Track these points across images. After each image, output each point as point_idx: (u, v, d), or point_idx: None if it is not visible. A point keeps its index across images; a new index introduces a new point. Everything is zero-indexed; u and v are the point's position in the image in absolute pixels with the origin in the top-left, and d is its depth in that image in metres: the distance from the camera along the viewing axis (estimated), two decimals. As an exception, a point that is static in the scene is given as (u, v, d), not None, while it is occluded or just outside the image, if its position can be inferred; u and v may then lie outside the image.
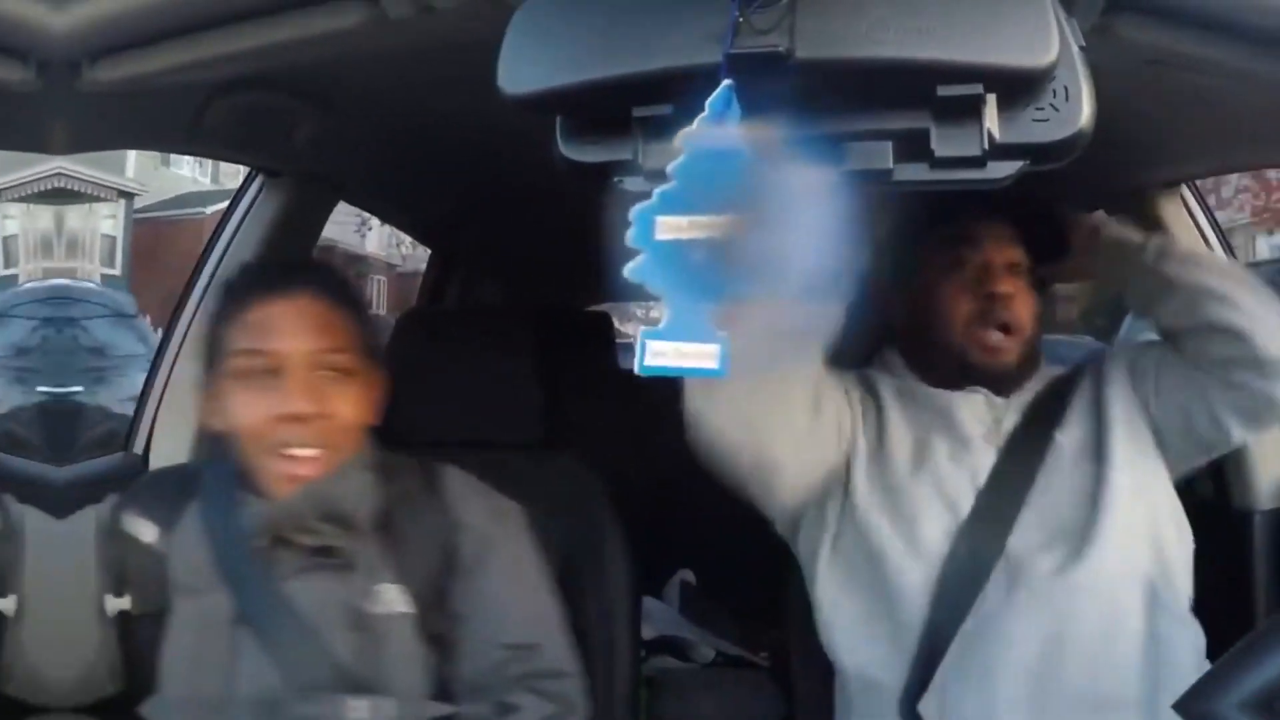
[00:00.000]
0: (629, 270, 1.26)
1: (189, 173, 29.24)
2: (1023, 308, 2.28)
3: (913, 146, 1.25)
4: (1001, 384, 2.30)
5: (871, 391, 2.36)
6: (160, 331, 3.18)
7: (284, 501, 1.96)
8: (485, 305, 5.07)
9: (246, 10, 1.65)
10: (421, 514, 2.08)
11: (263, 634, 1.93)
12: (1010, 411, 2.29)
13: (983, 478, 2.19)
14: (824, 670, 2.25)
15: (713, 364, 1.26)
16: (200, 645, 1.96)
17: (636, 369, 1.29)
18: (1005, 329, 2.26)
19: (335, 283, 2.12)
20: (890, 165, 1.26)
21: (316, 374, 1.97)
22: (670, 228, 1.24)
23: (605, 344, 4.67)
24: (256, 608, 1.95)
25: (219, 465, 2.08)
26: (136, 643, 2.01)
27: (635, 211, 1.25)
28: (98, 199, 24.51)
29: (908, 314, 2.39)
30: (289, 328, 1.98)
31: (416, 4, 1.58)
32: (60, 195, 24.41)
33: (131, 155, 25.23)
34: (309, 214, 2.98)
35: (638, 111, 1.28)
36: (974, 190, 1.31)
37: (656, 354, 1.28)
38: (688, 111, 1.24)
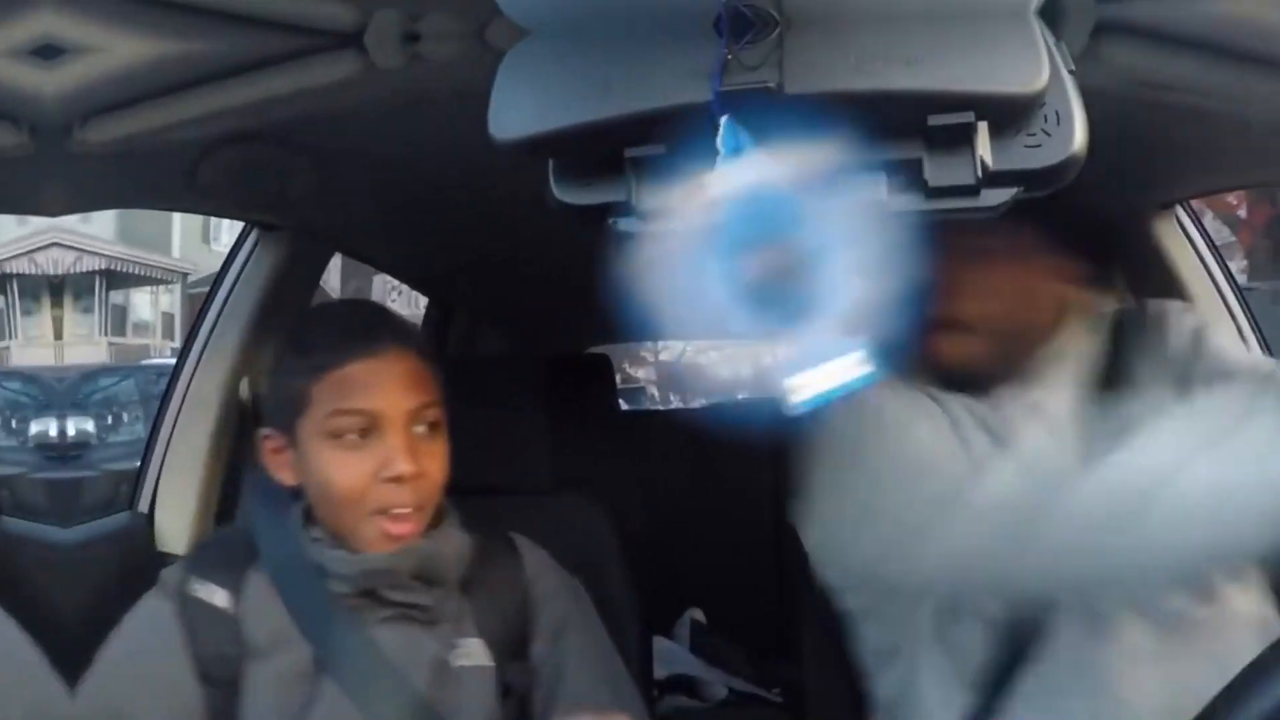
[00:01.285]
0: (731, 325, 1.25)
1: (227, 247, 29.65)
2: (983, 300, 2.04)
3: (906, 177, 1.25)
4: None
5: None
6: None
7: (382, 557, 1.95)
8: (487, 353, 5.11)
9: (237, 65, 1.65)
10: (503, 572, 2.13)
11: (346, 681, 1.93)
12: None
13: None
14: (838, 704, 2.23)
15: (863, 369, 1.26)
16: (280, 700, 1.94)
17: (791, 410, 1.29)
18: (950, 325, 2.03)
19: (416, 336, 2.15)
20: (884, 196, 1.25)
21: (412, 432, 1.95)
22: (748, 270, 1.24)
23: (607, 386, 4.70)
24: (341, 656, 1.94)
25: (280, 521, 2.05)
26: (214, 711, 1.95)
27: (704, 269, 1.24)
28: (158, 281, 25.37)
29: None
30: (388, 385, 1.95)
31: (406, 53, 1.59)
32: (118, 279, 25.63)
33: (176, 236, 25.99)
34: (305, 268, 2.99)
35: (630, 152, 1.28)
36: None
37: (802, 388, 1.28)
38: (681, 150, 1.23)
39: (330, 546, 1.97)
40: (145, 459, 2.84)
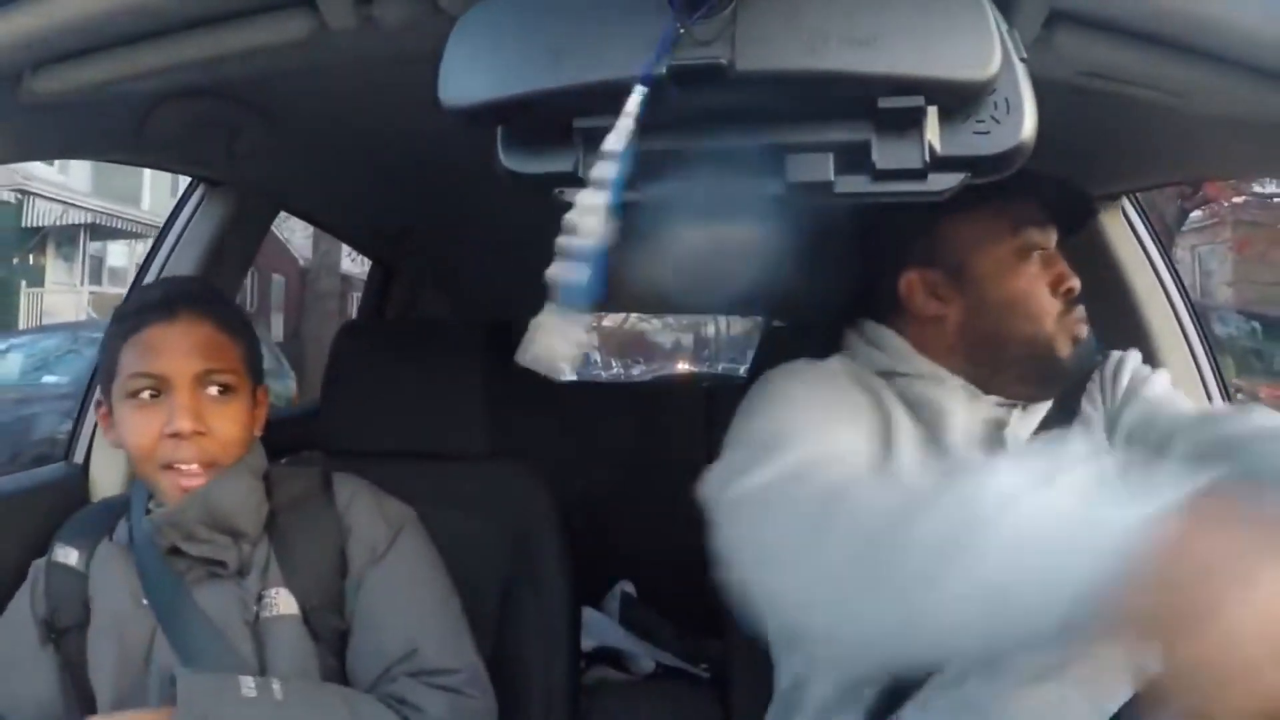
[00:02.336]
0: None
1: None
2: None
3: (854, 158, 1.25)
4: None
5: (882, 418, 2.04)
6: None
7: (171, 508, 2.07)
8: (428, 318, 5.09)
9: (189, 20, 1.63)
10: (313, 520, 2.20)
11: (175, 639, 2.03)
12: (1020, 431, 2.08)
13: None
14: (764, 682, 2.21)
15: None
16: (121, 658, 2.05)
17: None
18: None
19: (217, 305, 2.20)
20: (831, 177, 1.25)
21: (199, 393, 2.09)
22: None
23: None
24: (170, 617, 2.05)
25: (140, 485, 2.20)
26: (66, 655, 2.11)
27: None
28: (136, 235, 25.61)
29: (967, 307, 2.10)
30: (176, 350, 2.08)
31: (358, 15, 1.57)
32: (101, 232, 26.63)
33: (146, 190, 26.33)
34: (250, 224, 2.97)
35: (579, 123, 1.28)
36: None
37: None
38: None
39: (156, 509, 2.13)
40: (80, 412, 2.84)
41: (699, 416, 4.05)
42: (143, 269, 2.92)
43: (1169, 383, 2.13)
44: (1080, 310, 2.04)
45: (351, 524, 2.20)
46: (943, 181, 1.26)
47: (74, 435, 2.83)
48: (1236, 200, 24.27)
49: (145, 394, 2.08)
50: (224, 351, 2.13)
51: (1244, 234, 25.90)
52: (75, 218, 26.23)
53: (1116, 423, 2.06)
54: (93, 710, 2.03)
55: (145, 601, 2.07)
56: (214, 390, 2.11)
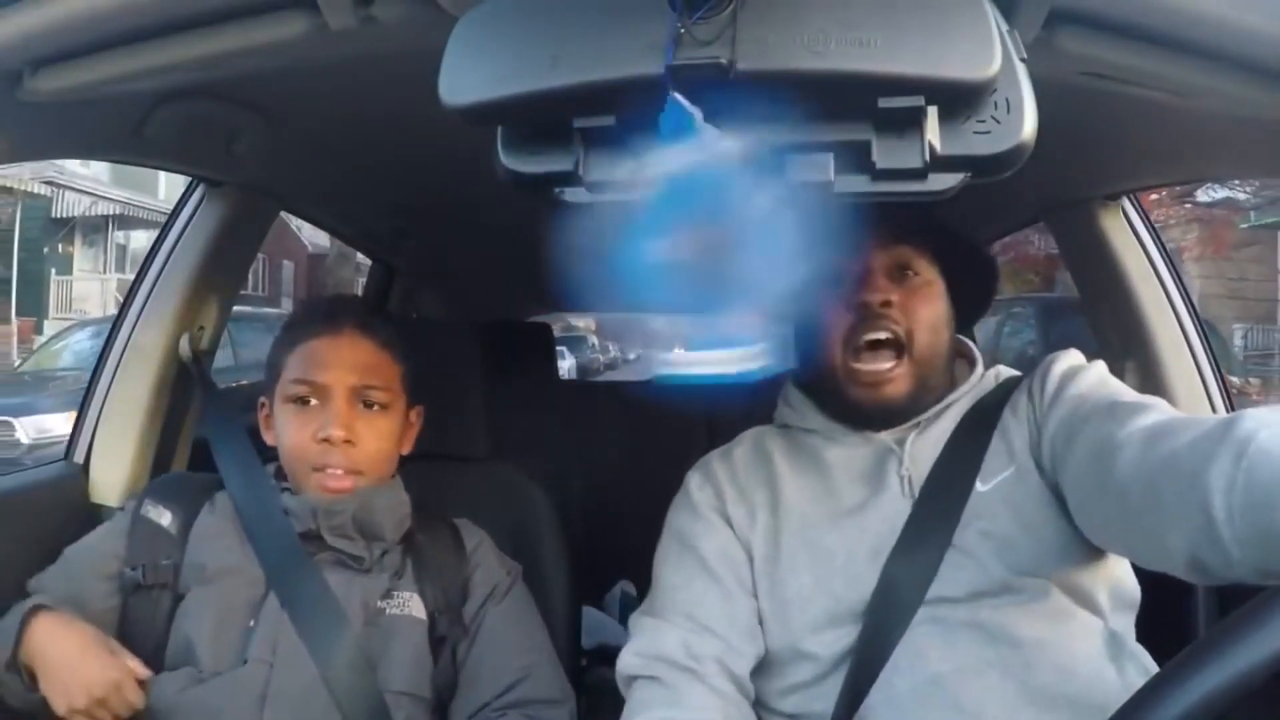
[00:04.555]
0: (665, 300, 1.24)
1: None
2: (913, 317, 2.04)
3: (854, 158, 1.24)
4: (894, 420, 2.10)
5: (761, 470, 2.18)
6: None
7: (327, 500, 2.23)
8: (428, 318, 5.08)
9: (190, 20, 1.63)
10: (445, 547, 2.38)
11: (291, 602, 2.17)
12: (920, 455, 2.07)
13: (884, 556, 1.97)
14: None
15: (758, 363, 1.25)
16: (223, 614, 2.17)
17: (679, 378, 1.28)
18: (878, 346, 2.02)
19: (380, 326, 2.36)
20: (831, 177, 1.24)
21: (353, 406, 2.27)
22: (683, 248, 1.23)
23: (546, 355, 4.79)
24: (288, 581, 2.20)
25: (245, 468, 2.39)
26: (139, 611, 2.23)
27: (643, 243, 1.23)
28: (158, 225, 25.91)
29: (795, 338, 2.20)
30: (337, 363, 2.26)
31: (358, 15, 1.57)
32: (128, 223, 27.70)
33: (162, 181, 27.08)
34: (250, 224, 2.96)
35: (579, 123, 1.27)
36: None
37: (705, 365, 1.27)
38: (629, 123, 1.23)
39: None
40: (82, 410, 2.82)
41: (699, 418, 4.11)
42: (142, 269, 2.90)
43: (1101, 374, 2.06)
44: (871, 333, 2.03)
45: (479, 563, 2.38)
46: (942, 181, 1.25)
47: (75, 433, 2.81)
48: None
49: (305, 400, 2.27)
50: (382, 370, 2.31)
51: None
52: (103, 209, 27.29)
53: (1044, 428, 1.99)
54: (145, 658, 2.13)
55: (260, 569, 2.22)
56: (368, 404, 2.29)
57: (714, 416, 3.93)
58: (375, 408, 2.29)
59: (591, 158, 1.28)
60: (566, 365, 22.95)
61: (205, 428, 2.64)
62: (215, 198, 2.82)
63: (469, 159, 1.53)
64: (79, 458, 2.76)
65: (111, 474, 2.74)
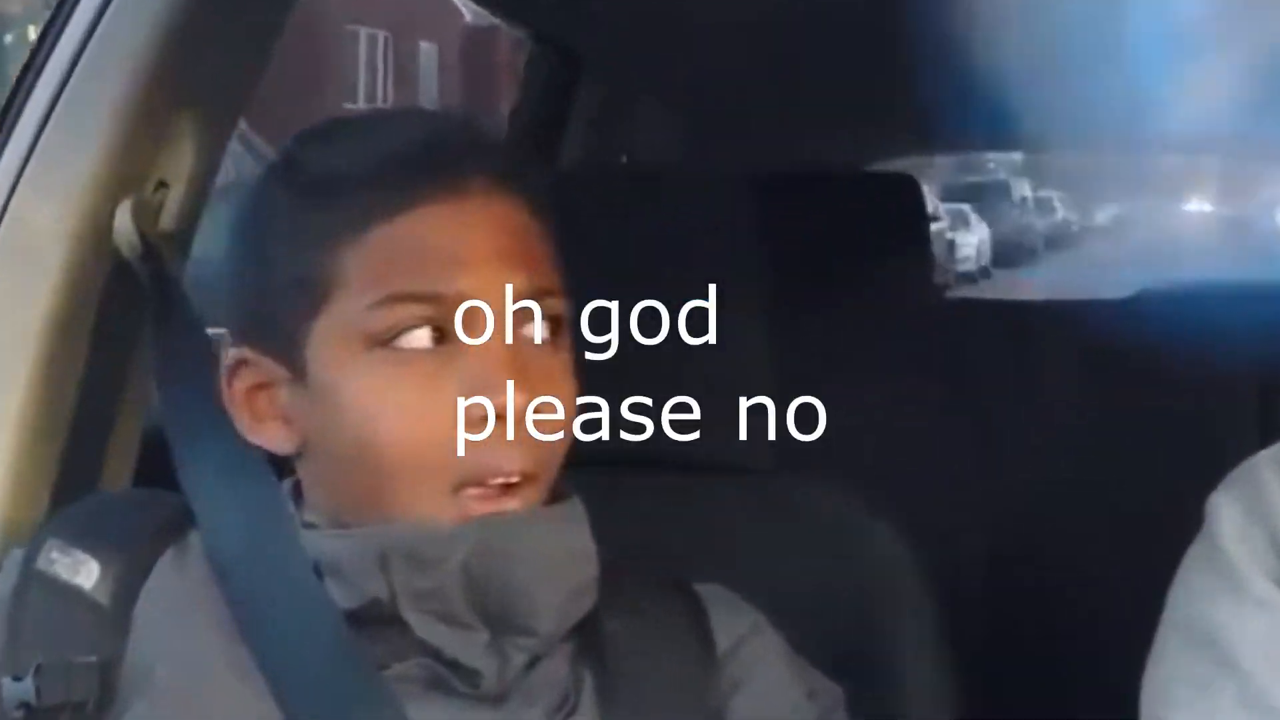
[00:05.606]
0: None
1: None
2: None
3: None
4: None
5: None
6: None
7: (436, 532, 1.23)
8: (643, 162, 3.52)
9: None
10: (671, 640, 1.36)
11: None
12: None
13: None
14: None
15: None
16: None
17: None
18: None
19: (523, 164, 1.44)
20: None
21: (522, 338, 1.24)
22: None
23: (912, 239, 2.94)
24: None
25: (240, 489, 1.38)
26: None
27: None
28: None
29: None
30: (478, 251, 1.24)
31: None
32: None
33: None
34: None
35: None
36: None
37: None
38: None
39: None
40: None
41: (1248, 370, 2.61)
42: (31, 64, 1.68)
43: None
44: None
45: (745, 674, 1.37)
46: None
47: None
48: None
49: (418, 339, 1.31)
50: (548, 252, 1.39)
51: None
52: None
53: None
54: None
55: (265, 688, 1.27)
56: (539, 332, 1.34)
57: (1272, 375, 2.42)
58: (554, 335, 1.28)
59: None
60: (973, 241, 17.24)
61: (167, 402, 1.55)
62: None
63: None
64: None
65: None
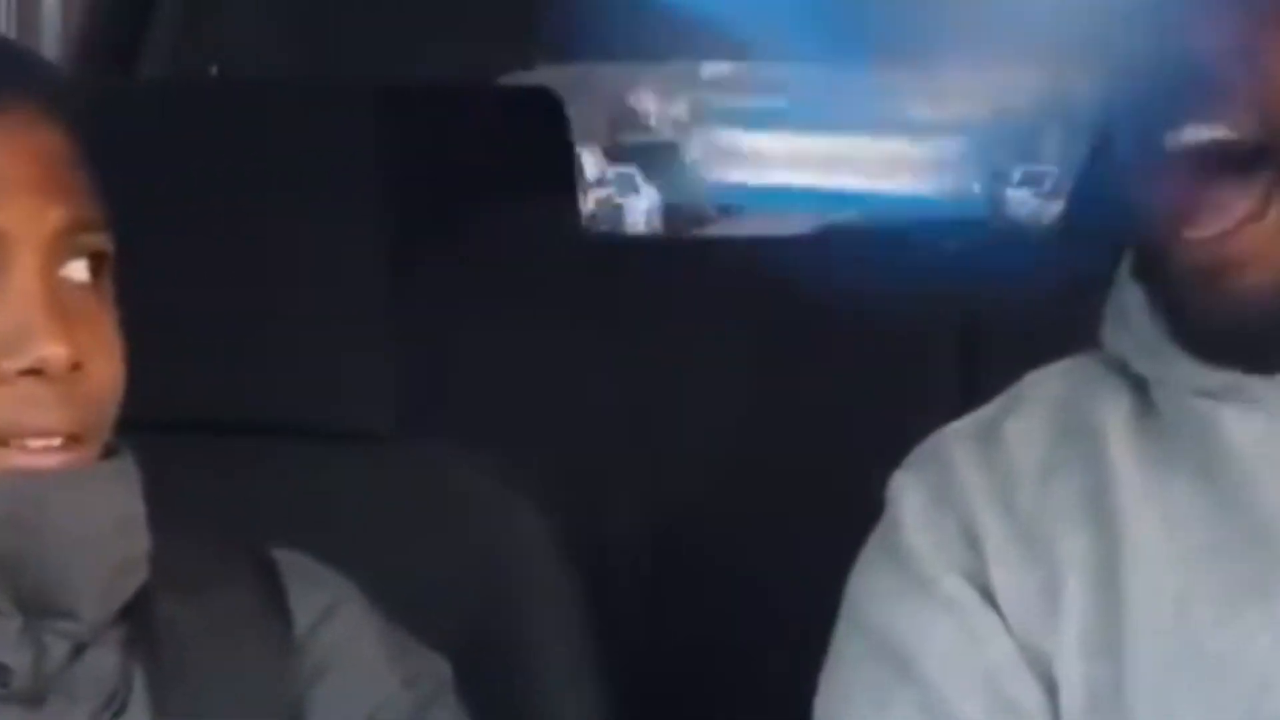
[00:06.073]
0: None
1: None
2: None
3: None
4: None
5: (1080, 476, 1.19)
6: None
7: None
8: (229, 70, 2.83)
9: None
10: (238, 620, 1.21)
11: None
12: None
13: None
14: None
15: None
16: None
17: None
18: None
19: (54, 81, 1.30)
20: None
21: (59, 277, 1.08)
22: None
23: (555, 168, 2.31)
24: None
25: None
26: None
27: None
28: None
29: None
30: (10, 178, 1.07)
31: None
32: None
33: None
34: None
35: None
36: None
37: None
38: None
39: None
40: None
41: (947, 317, 2.20)
42: None
43: None
44: None
45: (332, 657, 1.22)
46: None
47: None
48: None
49: None
50: (87, 181, 1.17)
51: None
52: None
53: None
54: None
55: None
56: (78, 269, 1.14)
57: (971, 319, 2.08)
58: (95, 274, 1.11)
59: None
60: (643, 207, 15.42)
61: None
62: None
63: None
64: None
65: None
